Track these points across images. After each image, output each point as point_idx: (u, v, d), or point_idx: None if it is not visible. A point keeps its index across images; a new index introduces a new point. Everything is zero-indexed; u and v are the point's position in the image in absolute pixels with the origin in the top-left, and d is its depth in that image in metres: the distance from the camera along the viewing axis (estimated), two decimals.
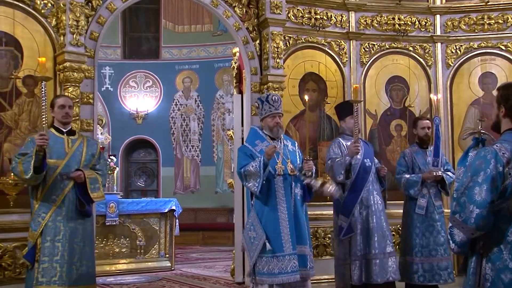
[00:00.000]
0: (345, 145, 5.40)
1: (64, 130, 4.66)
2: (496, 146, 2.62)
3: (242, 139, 6.68)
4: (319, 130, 7.00)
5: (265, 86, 6.58)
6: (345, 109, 5.48)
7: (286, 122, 6.72)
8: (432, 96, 6.99)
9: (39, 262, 4.35)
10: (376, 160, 5.67)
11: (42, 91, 4.32)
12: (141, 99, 13.44)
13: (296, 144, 4.94)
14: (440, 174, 5.62)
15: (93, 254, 4.73)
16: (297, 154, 4.83)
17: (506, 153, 2.57)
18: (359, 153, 5.24)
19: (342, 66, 7.22)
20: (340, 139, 5.56)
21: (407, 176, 5.71)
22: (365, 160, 5.42)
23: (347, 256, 5.33)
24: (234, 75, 7.25)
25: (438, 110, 6.56)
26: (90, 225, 4.70)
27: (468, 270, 2.72)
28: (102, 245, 7.86)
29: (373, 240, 5.27)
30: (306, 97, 5.33)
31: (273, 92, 6.37)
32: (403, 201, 5.92)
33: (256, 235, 4.50)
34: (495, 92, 2.88)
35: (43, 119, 4.34)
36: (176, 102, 13.51)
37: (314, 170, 4.78)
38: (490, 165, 2.56)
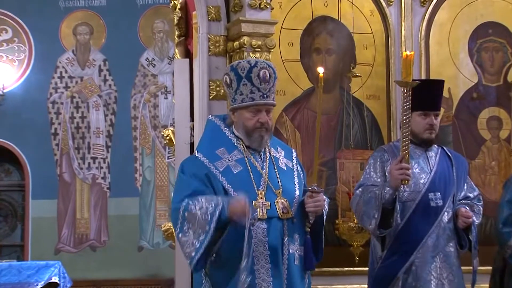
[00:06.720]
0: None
1: None
2: None
3: (192, 144, 5.21)
4: (339, 127, 5.22)
5: (236, 43, 5.11)
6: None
7: (278, 111, 5.04)
8: None
9: None
10: (464, 194, 4.20)
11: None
12: None
13: (295, 155, 3.66)
14: None
15: None
16: (296, 174, 3.52)
17: None
18: (410, 181, 4.05)
19: (384, 4, 5.35)
20: (390, 147, 4.42)
21: None
22: (429, 194, 4.17)
23: None
24: (175, 22, 5.69)
25: None
26: None
27: None
28: None
29: None
30: (321, 70, 3.51)
31: (254, 56, 4.81)
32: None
33: None
34: None
35: None
36: (61, 74, 9.84)
37: (326, 208, 3.47)
38: None
